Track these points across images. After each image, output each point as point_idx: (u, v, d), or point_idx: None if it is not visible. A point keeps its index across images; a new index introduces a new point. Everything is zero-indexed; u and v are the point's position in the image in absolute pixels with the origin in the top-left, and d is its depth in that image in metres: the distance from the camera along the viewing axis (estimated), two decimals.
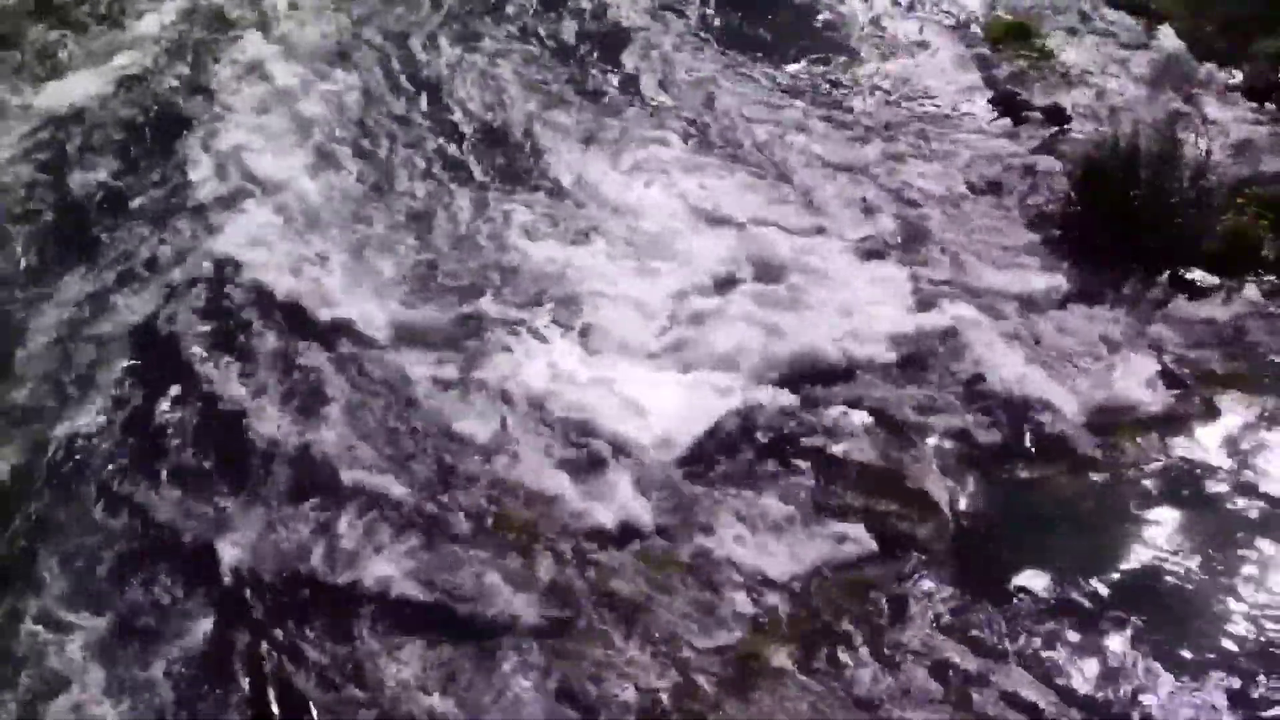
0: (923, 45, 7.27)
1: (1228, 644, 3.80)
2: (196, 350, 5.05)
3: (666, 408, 4.70)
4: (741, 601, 3.98)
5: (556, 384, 4.83)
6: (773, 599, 3.99)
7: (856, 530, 4.20)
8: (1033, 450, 4.54)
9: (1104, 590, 4.00)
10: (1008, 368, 4.84)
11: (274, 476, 4.47)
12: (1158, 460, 4.46)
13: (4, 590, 4.11)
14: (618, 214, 5.81)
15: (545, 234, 5.71)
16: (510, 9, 7.60)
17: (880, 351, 4.96)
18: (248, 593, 4.08)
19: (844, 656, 3.81)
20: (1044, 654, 3.81)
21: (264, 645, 3.89)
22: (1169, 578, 4.03)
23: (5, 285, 5.49)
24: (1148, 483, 4.38)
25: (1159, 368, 4.84)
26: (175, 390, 4.88)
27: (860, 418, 4.67)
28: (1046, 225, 5.64)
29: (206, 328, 5.16)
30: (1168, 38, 6.95)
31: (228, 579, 4.12)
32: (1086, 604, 3.95)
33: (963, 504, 4.35)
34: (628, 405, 4.71)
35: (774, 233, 5.64)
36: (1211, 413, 4.65)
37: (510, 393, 4.79)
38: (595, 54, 7.20)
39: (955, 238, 5.62)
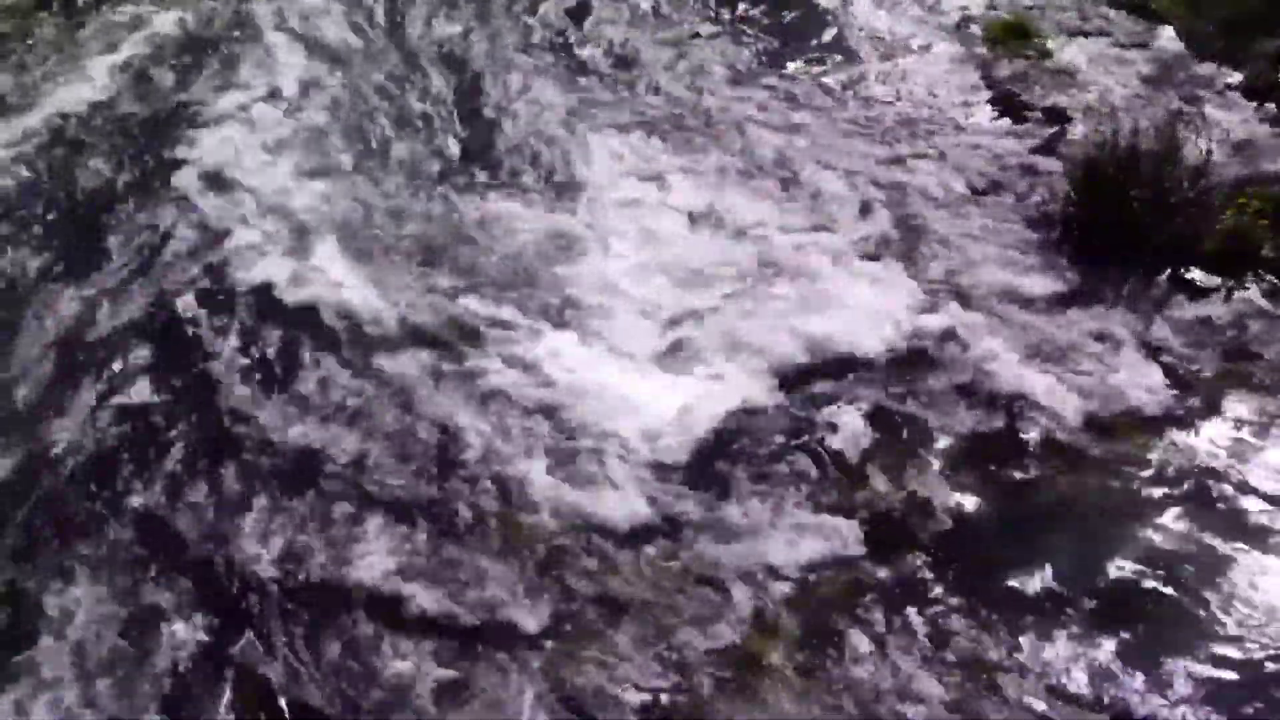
0: (922, 45, 7.27)
1: (1228, 644, 3.80)
2: (195, 349, 5.05)
3: (666, 407, 4.69)
4: (742, 602, 3.98)
5: (556, 383, 4.83)
6: (773, 599, 3.99)
7: (856, 530, 4.20)
8: (1033, 450, 4.54)
9: (1104, 590, 4.00)
10: (1007, 368, 4.84)
11: (273, 475, 4.47)
12: (1158, 460, 4.46)
13: (2, 590, 4.12)
14: (616, 213, 5.81)
15: (543, 231, 5.71)
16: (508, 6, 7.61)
17: (880, 351, 4.96)
18: (245, 592, 4.08)
19: (844, 656, 3.81)
20: (1044, 654, 3.81)
21: (263, 645, 3.89)
22: (1169, 578, 4.03)
23: (5, 284, 5.49)
24: (1147, 483, 4.38)
25: (1159, 368, 4.84)
26: (174, 389, 4.88)
27: (860, 417, 4.67)
28: (1046, 225, 5.64)
29: (206, 326, 5.17)
30: (1168, 38, 6.95)
31: (226, 578, 4.12)
32: (1086, 604, 3.94)
33: (962, 504, 4.35)
34: (628, 405, 4.71)
35: (773, 232, 5.64)
36: (1211, 413, 4.65)
37: (509, 391, 4.80)
38: (591, 52, 7.20)
39: (955, 237, 5.62)
